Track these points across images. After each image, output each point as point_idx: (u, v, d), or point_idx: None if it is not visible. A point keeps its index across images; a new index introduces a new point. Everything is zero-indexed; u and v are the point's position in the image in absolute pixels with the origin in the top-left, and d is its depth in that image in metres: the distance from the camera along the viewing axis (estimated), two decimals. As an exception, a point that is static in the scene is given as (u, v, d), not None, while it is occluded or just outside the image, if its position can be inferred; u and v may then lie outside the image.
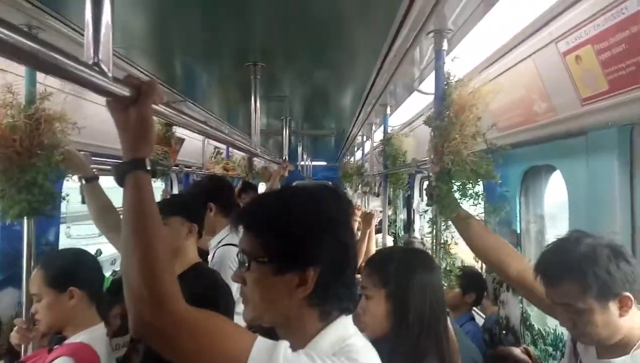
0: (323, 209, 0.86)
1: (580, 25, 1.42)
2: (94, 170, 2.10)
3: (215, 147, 4.74)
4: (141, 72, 2.35)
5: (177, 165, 3.61)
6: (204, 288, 1.59)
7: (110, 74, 0.74)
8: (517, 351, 1.91)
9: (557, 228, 2.42)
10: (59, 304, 1.45)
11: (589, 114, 1.55)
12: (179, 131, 4.15)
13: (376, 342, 1.17)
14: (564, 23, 1.48)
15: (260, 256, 0.83)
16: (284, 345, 0.73)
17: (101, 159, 2.39)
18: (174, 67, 2.51)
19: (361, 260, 3.31)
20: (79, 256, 1.59)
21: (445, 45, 1.72)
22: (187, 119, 1.33)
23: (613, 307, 1.14)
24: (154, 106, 0.88)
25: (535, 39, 1.66)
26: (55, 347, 1.45)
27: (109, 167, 2.88)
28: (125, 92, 0.74)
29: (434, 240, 1.73)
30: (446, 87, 1.66)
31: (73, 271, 1.50)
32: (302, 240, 0.82)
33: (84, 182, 2.00)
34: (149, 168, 0.81)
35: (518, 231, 2.50)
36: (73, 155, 1.92)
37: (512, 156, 2.29)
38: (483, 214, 1.69)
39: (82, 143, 2.62)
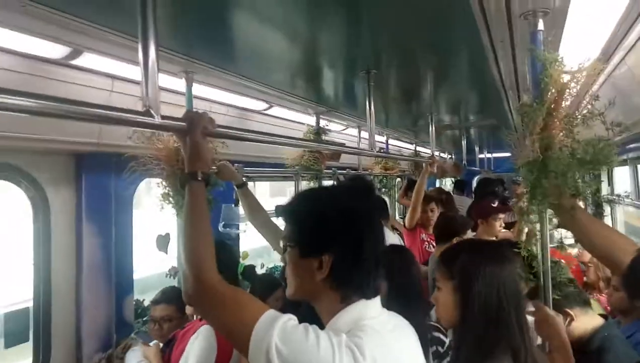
0: (340, 205, 1.00)
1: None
2: (244, 177, 2.57)
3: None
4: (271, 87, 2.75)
5: (330, 169, 3.97)
6: None
7: (158, 118, 1.03)
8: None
9: None
10: None
11: None
12: (336, 137, 4.57)
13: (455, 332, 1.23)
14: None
15: (290, 242, 1.03)
16: (287, 317, 0.90)
17: (253, 169, 2.89)
18: (308, 82, 2.84)
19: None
20: (217, 247, 2.01)
21: (541, 26, 1.60)
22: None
23: None
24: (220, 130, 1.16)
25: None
26: (204, 318, 1.89)
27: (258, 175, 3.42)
28: (175, 127, 1.03)
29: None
30: (544, 71, 1.55)
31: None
32: (317, 231, 0.99)
33: (236, 188, 2.48)
34: (200, 179, 1.08)
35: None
36: (226, 167, 2.39)
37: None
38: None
39: (241, 155, 3.20)
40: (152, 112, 1.01)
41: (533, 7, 1.56)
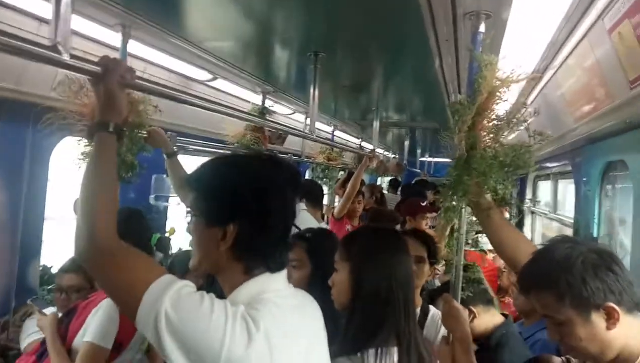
0: (248, 174, 0.97)
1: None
2: (175, 147, 2.46)
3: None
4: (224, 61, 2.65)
5: (270, 151, 3.91)
6: None
7: (66, 55, 0.94)
8: (557, 360, 1.74)
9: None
10: None
11: (638, 98, 1.35)
12: (283, 121, 4.51)
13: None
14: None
15: (195, 210, 0.98)
16: (183, 283, 0.85)
17: (185, 139, 2.78)
18: (256, 57, 2.77)
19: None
20: (131, 215, 1.91)
21: (482, 28, 1.64)
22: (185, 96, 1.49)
23: (597, 319, 1.04)
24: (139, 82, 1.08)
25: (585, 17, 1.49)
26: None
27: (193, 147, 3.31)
28: (87, 69, 0.94)
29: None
30: (479, 71, 1.59)
31: (123, 227, 1.80)
32: (222, 199, 0.94)
33: (165, 156, 2.36)
34: (111, 130, 1.00)
35: (595, 235, 2.22)
36: (157, 133, 2.27)
37: (592, 150, 2.07)
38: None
39: (178, 124, 3.07)
40: (59, 48, 0.91)
41: (477, 9, 1.60)
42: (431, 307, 1.99)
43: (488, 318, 2.01)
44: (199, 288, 0.88)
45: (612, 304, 1.01)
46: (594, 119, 1.82)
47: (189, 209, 1.00)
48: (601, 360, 1.06)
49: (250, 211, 0.94)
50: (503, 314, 2.10)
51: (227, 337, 0.80)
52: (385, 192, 6.61)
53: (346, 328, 1.23)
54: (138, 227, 1.90)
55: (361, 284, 1.26)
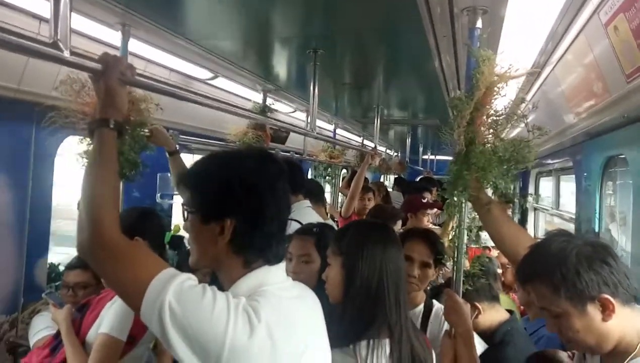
0: (242, 169, 0.98)
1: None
2: (177, 145, 2.48)
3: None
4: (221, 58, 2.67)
5: (273, 150, 3.93)
6: None
7: (67, 52, 0.95)
8: (563, 355, 1.75)
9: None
10: None
11: (634, 92, 1.36)
12: (284, 119, 4.52)
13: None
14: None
15: (190, 207, 0.99)
16: (185, 276, 0.87)
17: (188, 137, 2.81)
18: (256, 55, 2.79)
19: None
20: (145, 213, 1.92)
21: (479, 24, 1.65)
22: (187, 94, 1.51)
23: (593, 310, 1.05)
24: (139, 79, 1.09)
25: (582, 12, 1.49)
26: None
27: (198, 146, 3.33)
28: (87, 66, 0.96)
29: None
30: (476, 67, 1.59)
31: (138, 225, 1.81)
32: (219, 194, 0.95)
33: (167, 155, 2.38)
34: (112, 126, 1.01)
35: (596, 230, 2.22)
36: (159, 132, 2.29)
37: (592, 145, 2.07)
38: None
39: (180, 123, 3.10)
40: (60, 45, 0.93)
41: (473, 4, 1.61)
42: (435, 302, 2.00)
43: (493, 315, 2.02)
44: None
45: (606, 296, 1.02)
46: (592, 114, 1.82)
47: (185, 206, 1.01)
48: (599, 351, 1.08)
49: (244, 205, 0.95)
50: (508, 310, 2.11)
51: (230, 327, 0.82)
52: (390, 190, 6.62)
53: (339, 321, 1.24)
54: (153, 226, 1.90)
55: (352, 278, 1.27)
